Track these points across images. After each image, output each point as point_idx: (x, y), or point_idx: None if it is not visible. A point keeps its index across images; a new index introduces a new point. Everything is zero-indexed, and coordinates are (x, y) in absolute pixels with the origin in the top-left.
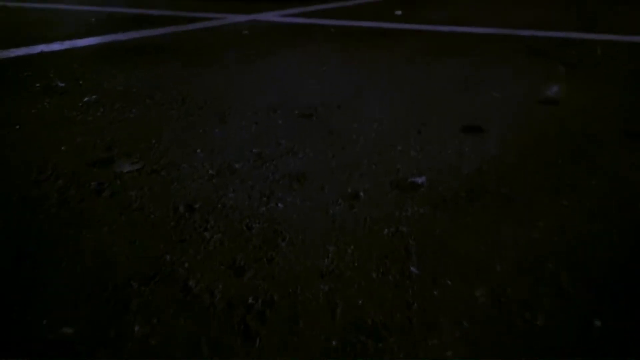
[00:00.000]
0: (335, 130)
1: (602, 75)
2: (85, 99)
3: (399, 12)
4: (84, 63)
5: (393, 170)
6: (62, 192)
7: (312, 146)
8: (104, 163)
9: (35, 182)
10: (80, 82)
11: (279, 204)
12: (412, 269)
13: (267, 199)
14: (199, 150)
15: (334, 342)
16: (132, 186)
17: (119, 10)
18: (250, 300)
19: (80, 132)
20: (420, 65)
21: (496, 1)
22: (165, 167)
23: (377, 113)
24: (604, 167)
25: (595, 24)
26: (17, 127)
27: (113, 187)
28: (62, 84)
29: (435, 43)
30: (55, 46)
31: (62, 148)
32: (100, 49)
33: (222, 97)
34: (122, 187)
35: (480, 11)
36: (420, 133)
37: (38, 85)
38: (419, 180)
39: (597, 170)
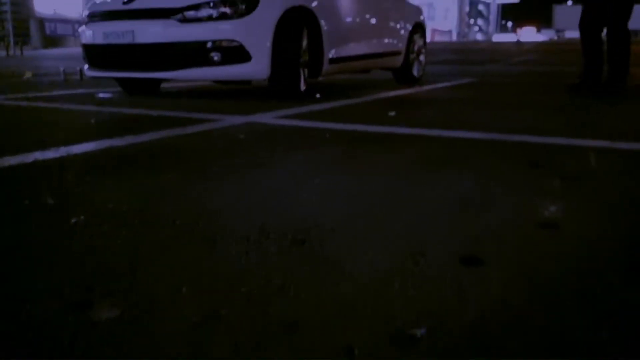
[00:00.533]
0: (328, 261)
1: (600, 190)
2: (73, 220)
3: (392, 113)
4: (77, 174)
5: (391, 317)
6: (33, 348)
7: (304, 283)
8: (81, 307)
9: (5, 334)
10: (71, 197)
11: None
12: None
13: (255, 356)
14: (184, 289)
15: None
16: (109, 339)
17: (120, 111)
18: None
19: (62, 264)
20: (413, 179)
21: (485, 103)
22: (148, 312)
23: (371, 238)
24: (614, 316)
25: (586, 127)
26: None
27: (88, 340)
28: (52, 201)
29: (428, 150)
30: (50, 154)
31: (40, 287)
32: (95, 157)
33: (214, 216)
34: (97, 341)
35: (470, 112)
36: (417, 265)
37: (26, 202)
38: (419, 332)
39: (607, 319)
